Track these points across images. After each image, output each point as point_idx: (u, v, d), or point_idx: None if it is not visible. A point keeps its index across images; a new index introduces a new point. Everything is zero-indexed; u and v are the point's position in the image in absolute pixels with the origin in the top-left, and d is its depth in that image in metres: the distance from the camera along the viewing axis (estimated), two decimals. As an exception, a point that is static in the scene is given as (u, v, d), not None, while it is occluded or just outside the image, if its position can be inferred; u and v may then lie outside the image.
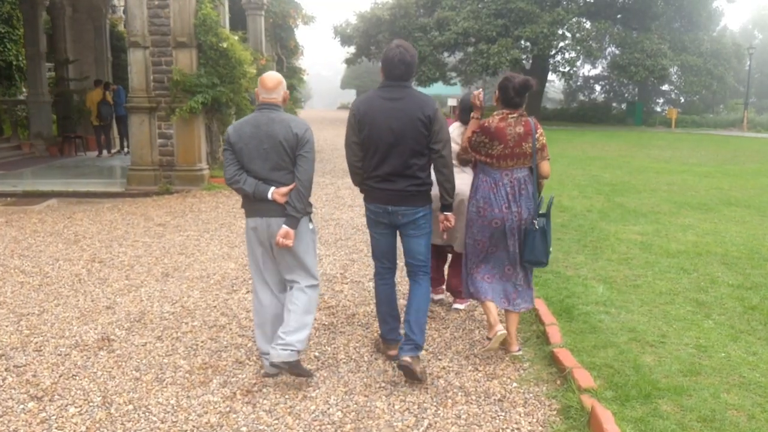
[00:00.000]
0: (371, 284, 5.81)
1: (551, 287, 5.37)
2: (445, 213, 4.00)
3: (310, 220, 3.91)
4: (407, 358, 3.78)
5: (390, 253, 4.09)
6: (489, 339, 4.19)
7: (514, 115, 4.02)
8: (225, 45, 10.72)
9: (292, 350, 3.69)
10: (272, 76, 3.84)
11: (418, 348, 3.87)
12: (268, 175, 3.72)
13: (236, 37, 11.46)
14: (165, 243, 7.40)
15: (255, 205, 3.78)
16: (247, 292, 5.63)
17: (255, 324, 4.08)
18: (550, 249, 4.09)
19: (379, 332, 4.29)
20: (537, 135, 4.02)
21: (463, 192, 4.50)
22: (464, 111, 4.77)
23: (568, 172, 13.34)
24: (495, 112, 4.09)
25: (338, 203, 9.86)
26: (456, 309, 5.12)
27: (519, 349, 4.25)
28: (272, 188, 3.71)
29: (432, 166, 3.91)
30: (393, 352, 4.11)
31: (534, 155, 4.02)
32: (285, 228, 3.69)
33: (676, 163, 15.92)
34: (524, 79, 4.01)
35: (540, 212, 4.04)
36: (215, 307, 5.25)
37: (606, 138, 25.04)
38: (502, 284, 4.16)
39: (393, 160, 3.80)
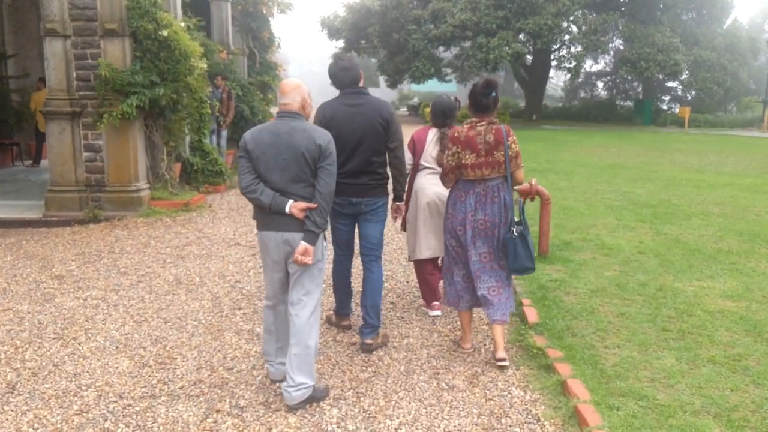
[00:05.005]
0: (336, 411, 3.58)
1: (645, 441, 3.11)
2: (398, 203, 4.55)
3: (324, 238, 3.73)
4: (369, 341, 4.33)
5: (349, 242, 4.52)
6: (458, 344, 4.41)
7: (483, 123, 4.02)
8: (165, 33, 8.43)
9: (305, 388, 3.55)
10: (289, 81, 3.66)
11: (375, 330, 4.36)
12: (286, 187, 3.51)
13: (183, 24, 9.13)
14: (46, 315, 5.10)
15: (271, 217, 3.56)
16: (125, 435, 3.36)
17: (264, 330, 3.90)
18: (534, 255, 4.05)
19: (334, 308, 4.81)
20: (509, 142, 4.00)
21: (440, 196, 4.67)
22: (437, 115, 4.83)
23: (593, 188, 11.08)
24: (465, 122, 4.12)
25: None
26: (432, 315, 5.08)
27: (505, 360, 4.05)
28: (290, 201, 3.50)
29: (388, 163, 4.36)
30: (346, 323, 4.71)
31: (507, 164, 3.99)
32: (304, 245, 3.49)
33: (710, 173, 13.70)
34: (486, 79, 4.05)
35: (516, 221, 4.04)
36: (52, 482, 2.97)
37: (618, 140, 22.80)
38: (475, 290, 4.14)
39: (357, 158, 4.20)
